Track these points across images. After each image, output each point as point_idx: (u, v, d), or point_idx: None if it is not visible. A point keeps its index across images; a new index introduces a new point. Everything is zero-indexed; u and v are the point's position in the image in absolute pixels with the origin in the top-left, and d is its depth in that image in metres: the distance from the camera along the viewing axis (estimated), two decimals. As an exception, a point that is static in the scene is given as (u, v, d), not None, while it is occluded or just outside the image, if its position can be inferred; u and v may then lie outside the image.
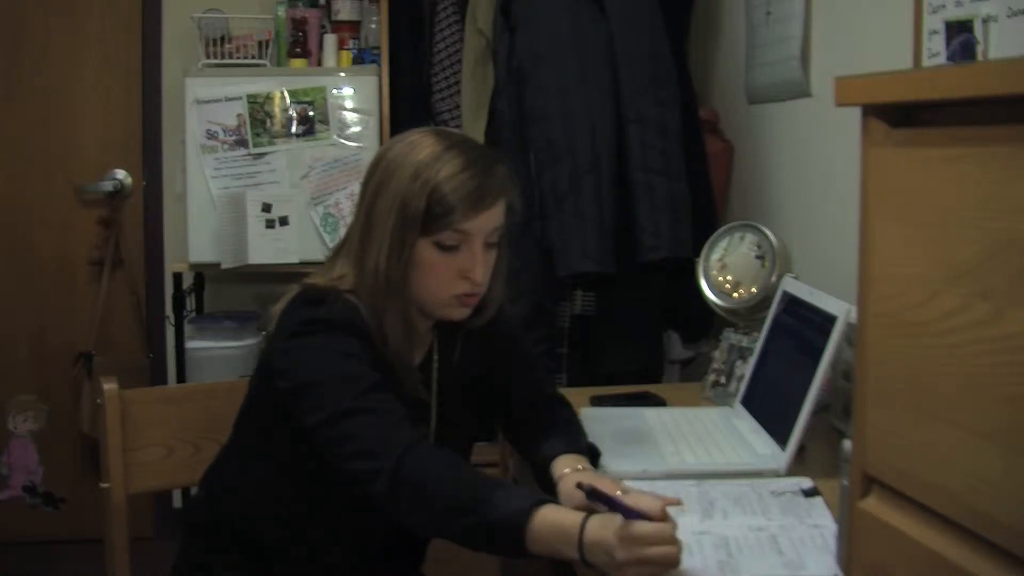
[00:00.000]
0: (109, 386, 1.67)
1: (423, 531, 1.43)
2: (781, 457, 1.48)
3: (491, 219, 1.38)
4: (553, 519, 1.20)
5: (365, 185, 1.44)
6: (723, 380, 1.92)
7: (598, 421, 1.69)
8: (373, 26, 3.07)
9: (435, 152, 1.37)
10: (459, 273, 1.39)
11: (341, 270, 1.44)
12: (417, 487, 1.26)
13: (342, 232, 2.54)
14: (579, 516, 1.20)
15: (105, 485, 1.67)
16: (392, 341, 1.40)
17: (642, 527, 1.14)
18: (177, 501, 3.32)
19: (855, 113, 0.87)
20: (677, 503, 1.22)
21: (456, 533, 1.26)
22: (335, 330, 1.37)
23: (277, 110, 2.89)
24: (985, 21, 1.55)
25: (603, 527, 1.17)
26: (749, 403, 1.71)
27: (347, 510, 1.46)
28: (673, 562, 1.14)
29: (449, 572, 1.84)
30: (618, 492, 1.25)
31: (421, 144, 1.39)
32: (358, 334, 1.38)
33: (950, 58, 1.63)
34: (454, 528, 1.26)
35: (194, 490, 1.64)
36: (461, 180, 1.35)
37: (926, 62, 1.68)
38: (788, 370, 1.59)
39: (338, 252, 1.48)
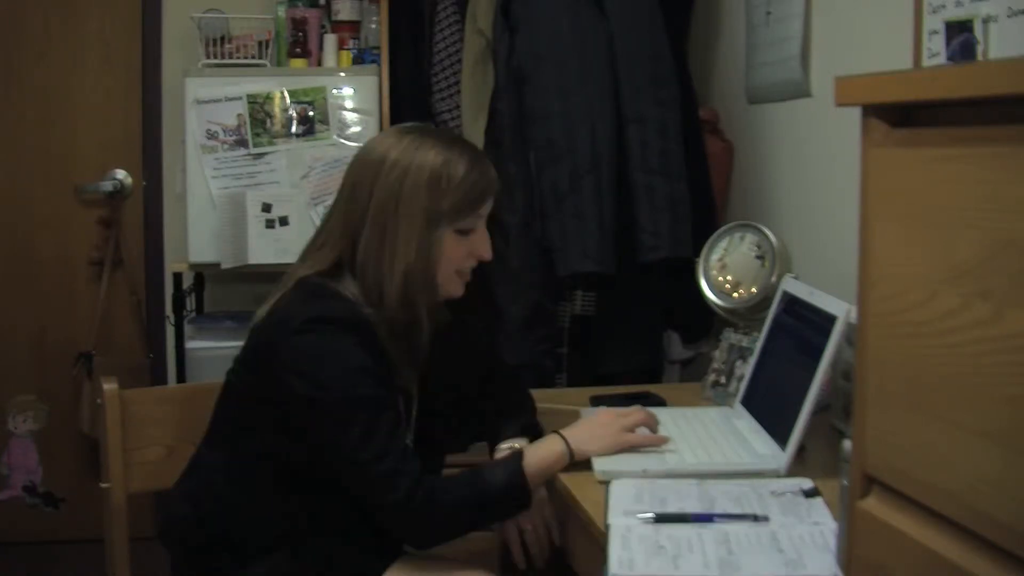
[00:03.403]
0: (109, 386, 1.68)
1: (440, 543, 1.52)
2: (781, 457, 1.48)
3: (491, 204, 1.55)
4: (539, 456, 1.48)
5: (366, 194, 1.48)
6: (723, 380, 1.92)
7: (598, 421, 1.69)
8: (373, 26, 3.07)
9: (441, 154, 1.49)
10: (469, 253, 1.54)
11: (349, 289, 1.49)
12: (427, 521, 1.42)
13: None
14: (553, 438, 1.51)
15: (105, 485, 1.67)
16: (424, 336, 1.51)
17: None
18: (177, 501, 3.32)
19: (855, 113, 0.87)
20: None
21: (474, 529, 1.49)
22: (346, 330, 1.44)
23: (277, 110, 2.89)
24: (985, 21, 1.55)
25: (580, 423, 1.56)
26: (749, 403, 1.71)
27: (340, 501, 1.48)
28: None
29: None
30: None
31: (417, 146, 1.49)
32: (365, 332, 1.45)
33: (950, 58, 1.63)
34: (468, 526, 1.47)
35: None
36: (476, 175, 1.50)
37: (926, 62, 1.68)
38: (788, 370, 1.59)
39: (340, 270, 1.51)
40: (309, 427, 1.44)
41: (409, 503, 1.39)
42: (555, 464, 1.49)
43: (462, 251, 1.52)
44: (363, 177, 1.49)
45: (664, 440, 1.57)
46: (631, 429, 1.56)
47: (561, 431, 1.53)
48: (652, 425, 1.60)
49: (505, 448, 1.60)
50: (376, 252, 1.47)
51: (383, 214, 1.47)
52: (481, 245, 1.54)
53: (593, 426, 1.54)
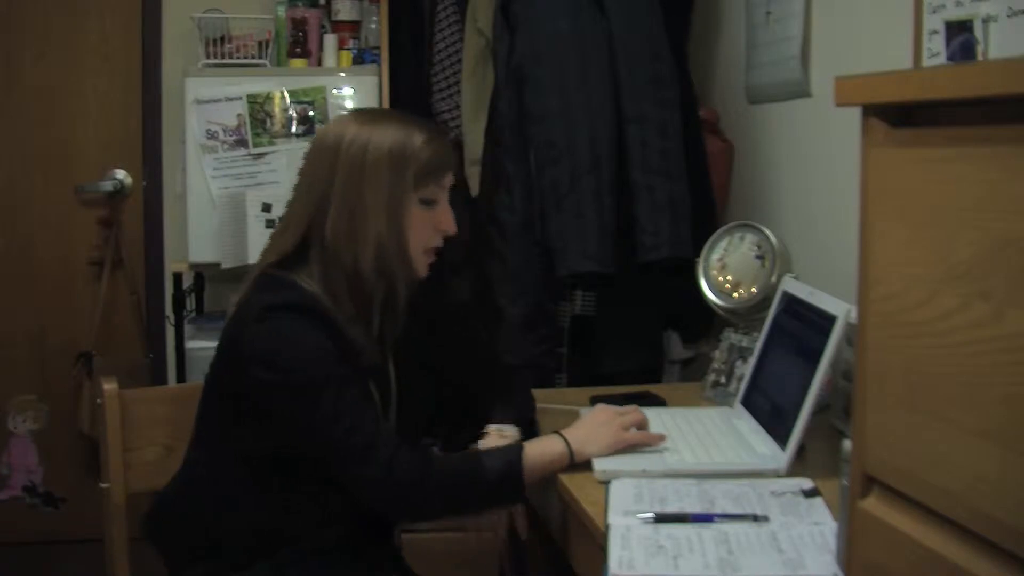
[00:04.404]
0: (109, 386, 1.68)
1: (425, 520, 1.52)
2: (781, 457, 1.48)
3: (452, 177, 1.58)
4: (539, 452, 1.48)
5: (327, 174, 1.50)
6: (723, 380, 1.92)
7: (598, 421, 1.69)
8: (373, 26, 3.07)
9: (400, 127, 1.52)
10: (434, 228, 1.55)
11: (305, 279, 1.49)
12: (412, 491, 1.42)
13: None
14: (554, 437, 1.50)
15: (105, 485, 1.67)
16: (400, 306, 1.54)
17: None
18: (177, 501, 3.32)
19: (855, 113, 0.87)
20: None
21: (463, 512, 1.53)
22: (301, 314, 1.45)
23: (277, 110, 2.89)
24: (985, 21, 1.55)
25: (579, 423, 1.54)
26: (749, 403, 1.71)
27: (325, 498, 1.50)
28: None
29: (451, 572, 1.84)
30: None
31: (373, 123, 1.52)
32: (321, 315, 1.46)
33: (950, 58, 1.63)
34: (462, 508, 1.50)
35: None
36: (436, 144, 1.53)
37: (926, 62, 1.68)
38: (788, 370, 1.59)
39: (302, 254, 1.51)
40: (280, 414, 1.44)
41: (388, 476, 1.39)
42: (554, 463, 1.49)
43: (428, 225, 1.54)
44: (322, 159, 1.51)
45: (661, 438, 1.57)
46: (628, 428, 1.56)
47: (561, 431, 1.53)
48: (645, 426, 1.61)
49: (494, 432, 1.60)
50: (347, 227, 1.48)
51: (349, 189, 1.48)
52: (445, 219, 1.56)
53: (592, 426, 1.54)
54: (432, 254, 1.58)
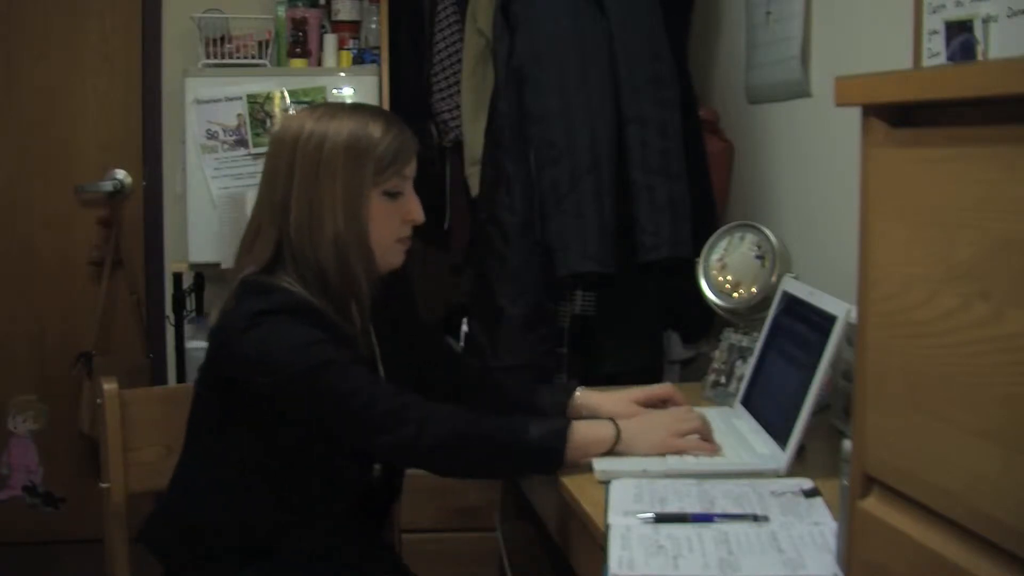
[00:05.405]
0: (109, 386, 1.68)
1: (465, 477, 1.62)
2: (781, 457, 1.48)
3: (414, 166, 1.55)
4: (588, 430, 1.47)
5: (286, 171, 1.49)
6: (723, 380, 1.92)
7: (598, 421, 1.69)
8: (373, 26, 3.07)
9: (356, 119, 1.50)
10: (403, 219, 1.54)
11: (286, 281, 1.48)
12: (451, 444, 1.42)
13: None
14: (607, 423, 1.48)
15: (105, 485, 1.67)
16: (364, 302, 1.51)
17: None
18: (177, 501, 3.32)
19: (855, 113, 0.87)
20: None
21: (501, 471, 1.58)
22: (288, 314, 1.44)
23: (277, 110, 2.89)
24: (985, 21, 1.55)
25: (641, 417, 1.55)
26: (749, 403, 1.71)
27: (320, 499, 1.50)
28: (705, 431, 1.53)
29: (451, 572, 1.84)
30: None
31: (331, 115, 1.50)
32: (309, 312, 1.46)
33: (950, 58, 1.63)
34: (500, 468, 1.54)
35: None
36: (394, 134, 1.51)
37: (926, 62, 1.68)
38: (788, 370, 1.59)
39: (279, 260, 1.50)
40: (297, 412, 1.44)
41: (423, 433, 1.39)
42: (599, 445, 1.48)
43: (394, 217, 1.53)
44: (281, 154, 1.50)
45: (715, 449, 1.52)
46: (683, 435, 1.52)
47: (617, 420, 1.51)
48: (705, 433, 1.55)
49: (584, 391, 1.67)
50: (308, 225, 1.47)
51: (307, 185, 1.47)
52: (413, 209, 1.54)
53: (648, 423, 1.52)
54: (406, 241, 1.56)
